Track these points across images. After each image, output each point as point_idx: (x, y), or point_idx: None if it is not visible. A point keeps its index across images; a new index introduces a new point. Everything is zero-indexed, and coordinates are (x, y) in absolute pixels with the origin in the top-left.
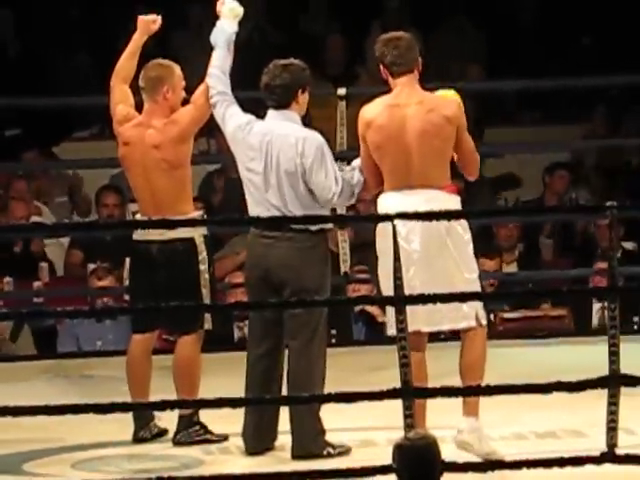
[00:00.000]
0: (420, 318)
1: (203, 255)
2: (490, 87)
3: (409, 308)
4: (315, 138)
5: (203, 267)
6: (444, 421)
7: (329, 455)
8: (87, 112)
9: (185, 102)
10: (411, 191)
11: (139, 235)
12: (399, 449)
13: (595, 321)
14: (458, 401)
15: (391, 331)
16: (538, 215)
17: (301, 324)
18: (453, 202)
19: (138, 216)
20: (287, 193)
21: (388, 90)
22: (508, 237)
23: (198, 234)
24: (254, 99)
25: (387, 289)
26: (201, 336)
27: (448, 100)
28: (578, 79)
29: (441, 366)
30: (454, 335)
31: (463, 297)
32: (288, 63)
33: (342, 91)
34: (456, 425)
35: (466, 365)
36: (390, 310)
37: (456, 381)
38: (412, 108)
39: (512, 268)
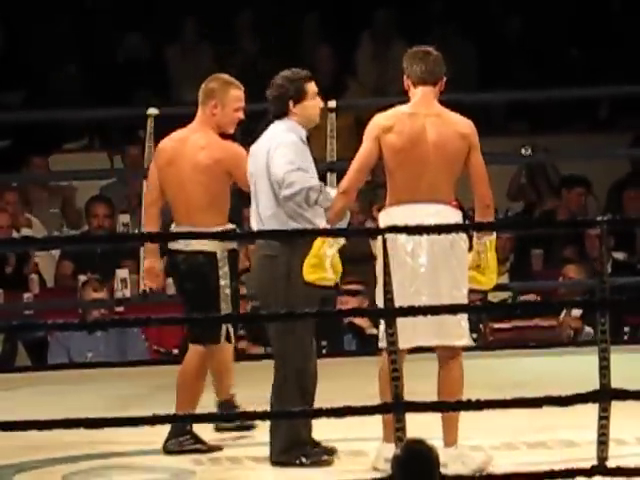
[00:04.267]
0: (421, 333)
1: (224, 270)
2: (480, 98)
3: (412, 322)
4: (285, 137)
5: (224, 282)
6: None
7: (302, 464)
8: (77, 124)
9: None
10: (418, 205)
11: (170, 244)
12: (398, 457)
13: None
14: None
15: (381, 344)
16: (532, 228)
17: (272, 337)
18: (458, 217)
19: (173, 225)
20: (261, 200)
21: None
22: (500, 248)
23: (221, 248)
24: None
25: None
26: (215, 350)
27: (462, 118)
28: (566, 90)
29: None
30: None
31: (462, 310)
32: (280, 75)
33: (332, 103)
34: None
35: (449, 385)
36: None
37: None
38: (431, 119)
39: (504, 279)
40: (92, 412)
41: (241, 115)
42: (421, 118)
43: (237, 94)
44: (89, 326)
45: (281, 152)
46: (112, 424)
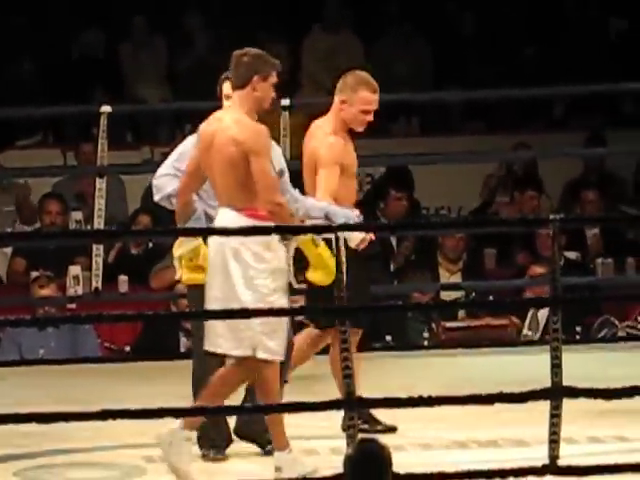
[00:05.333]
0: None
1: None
2: (436, 97)
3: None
4: None
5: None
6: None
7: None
8: (31, 120)
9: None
10: (220, 209)
11: None
12: (351, 455)
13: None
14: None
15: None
16: (484, 227)
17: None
18: (241, 223)
19: None
20: None
21: (330, 102)
22: (454, 248)
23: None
24: None
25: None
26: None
27: (247, 124)
28: (521, 90)
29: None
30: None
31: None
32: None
33: (286, 101)
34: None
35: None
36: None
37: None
38: (221, 124)
39: (457, 278)
40: (43, 408)
41: (368, 118)
42: (216, 123)
43: (366, 96)
44: (40, 322)
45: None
46: (63, 419)
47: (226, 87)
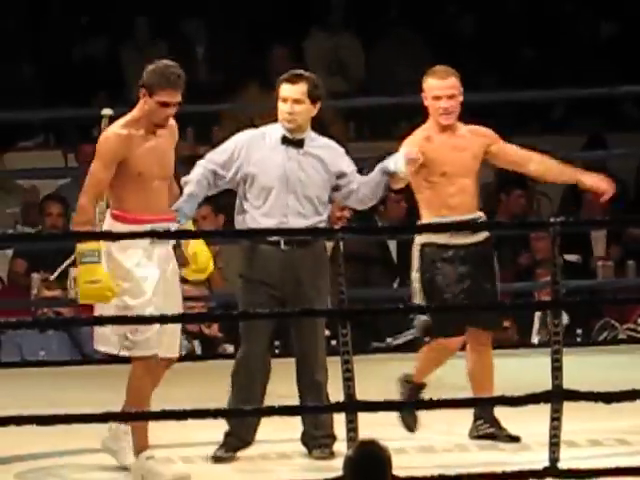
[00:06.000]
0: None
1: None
2: None
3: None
4: None
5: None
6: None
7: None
8: (32, 123)
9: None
10: None
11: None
12: (350, 457)
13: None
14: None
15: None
16: (484, 230)
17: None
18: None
19: None
20: None
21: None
22: None
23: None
24: None
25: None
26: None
27: (109, 128)
28: (521, 91)
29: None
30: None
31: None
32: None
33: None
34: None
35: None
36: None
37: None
38: None
39: None
40: (45, 410)
41: (442, 104)
42: None
43: (432, 83)
44: (41, 324)
45: None
46: (65, 421)
47: (286, 89)
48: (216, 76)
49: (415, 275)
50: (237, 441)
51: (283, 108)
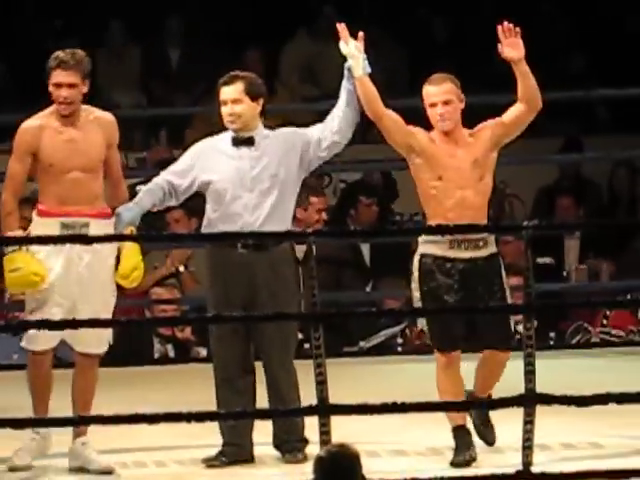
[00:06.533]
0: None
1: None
2: (411, 104)
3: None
4: None
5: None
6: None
7: None
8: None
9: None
10: None
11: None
12: (320, 461)
13: None
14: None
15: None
16: (456, 233)
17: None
18: None
19: None
20: None
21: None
22: None
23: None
24: None
25: None
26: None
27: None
28: (496, 95)
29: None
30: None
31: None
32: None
33: None
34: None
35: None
36: None
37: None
38: None
39: None
40: (20, 412)
41: (438, 110)
42: None
43: (428, 90)
44: (13, 328)
45: None
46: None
47: (224, 92)
48: (189, 79)
49: (414, 285)
50: (234, 450)
51: (224, 110)
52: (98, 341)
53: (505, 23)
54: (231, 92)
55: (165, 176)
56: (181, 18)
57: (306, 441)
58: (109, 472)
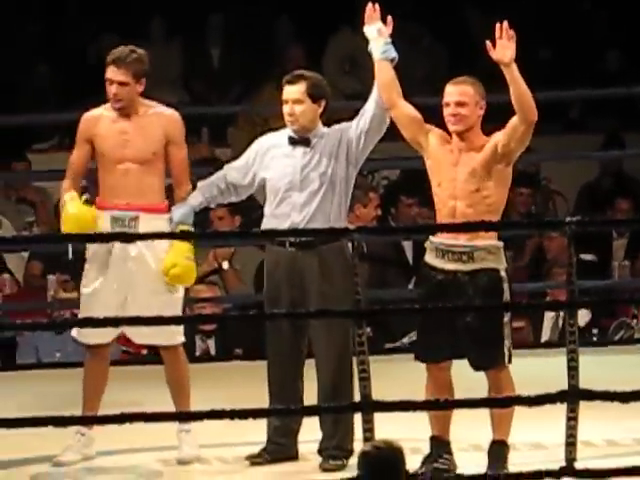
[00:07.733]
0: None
1: None
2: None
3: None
4: None
5: None
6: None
7: None
8: (47, 125)
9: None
10: None
11: None
12: (365, 457)
13: (548, 333)
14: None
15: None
16: (497, 230)
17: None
18: None
19: None
20: None
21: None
22: None
23: None
24: None
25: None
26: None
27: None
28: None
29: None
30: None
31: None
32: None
33: None
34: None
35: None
36: None
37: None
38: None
39: None
40: (60, 411)
41: (449, 110)
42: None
43: (446, 90)
44: (56, 326)
45: None
46: (80, 422)
47: (286, 91)
48: (230, 77)
49: (414, 289)
50: (276, 447)
51: (285, 110)
52: (159, 333)
53: (505, 23)
54: (293, 92)
55: (224, 171)
56: (223, 16)
57: (351, 452)
58: (185, 462)
